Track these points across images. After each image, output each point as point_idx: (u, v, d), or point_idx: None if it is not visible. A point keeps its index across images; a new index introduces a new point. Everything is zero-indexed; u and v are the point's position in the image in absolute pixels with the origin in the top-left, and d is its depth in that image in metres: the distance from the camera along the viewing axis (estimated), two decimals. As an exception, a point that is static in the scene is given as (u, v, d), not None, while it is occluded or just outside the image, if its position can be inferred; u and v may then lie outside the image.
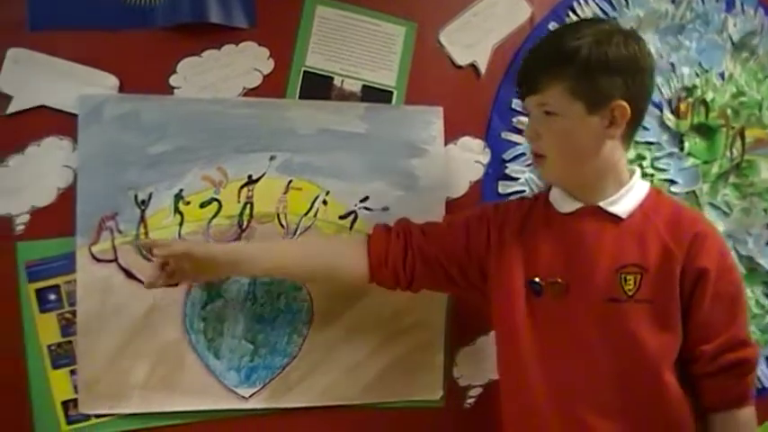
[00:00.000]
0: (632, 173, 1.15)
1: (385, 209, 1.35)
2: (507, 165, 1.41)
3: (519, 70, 1.16)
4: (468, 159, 1.39)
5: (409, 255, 1.20)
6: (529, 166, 1.41)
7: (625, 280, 1.06)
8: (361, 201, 1.34)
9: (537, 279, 1.11)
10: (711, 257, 1.07)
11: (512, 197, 1.39)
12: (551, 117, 1.09)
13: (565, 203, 1.15)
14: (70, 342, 1.25)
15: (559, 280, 1.10)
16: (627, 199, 1.11)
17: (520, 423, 1.15)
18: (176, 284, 1.21)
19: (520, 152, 1.41)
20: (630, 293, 1.06)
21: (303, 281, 1.30)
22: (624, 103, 1.06)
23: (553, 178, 1.17)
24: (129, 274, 1.26)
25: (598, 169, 1.11)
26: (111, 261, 1.25)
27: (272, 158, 1.31)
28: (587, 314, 1.09)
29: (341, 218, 1.34)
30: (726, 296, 1.08)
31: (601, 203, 1.11)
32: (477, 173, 1.40)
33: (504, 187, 1.41)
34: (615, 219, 1.10)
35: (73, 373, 1.25)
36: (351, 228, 1.33)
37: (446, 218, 1.32)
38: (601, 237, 1.10)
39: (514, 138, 1.41)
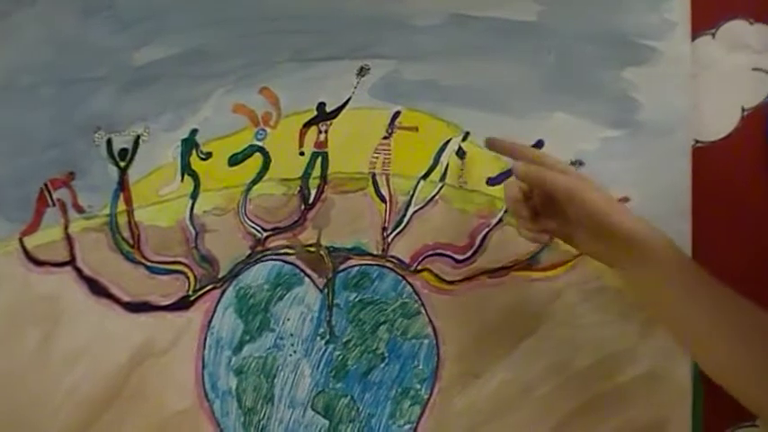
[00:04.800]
0: None
1: (576, 163, 0.80)
2: (823, 73, 0.79)
3: None
4: (738, 65, 0.81)
5: None
6: None
7: None
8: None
9: None
10: None
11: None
12: None
13: None
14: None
15: None
16: None
17: None
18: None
19: None
20: None
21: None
22: None
23: None
24: (99, 289, 0.79)
25: None
26: (63, 264, 0.80)
27: (362, 72, 0.80)
28: None
29: (490, 182, 0.79)
30: None
31: None
32: (757, 91, 0.81)
33: (812, 119, 0.79)
34: None
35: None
36: (509, 201, 0.79)
37: None
38: None
39: (839, 18, 0.78)
